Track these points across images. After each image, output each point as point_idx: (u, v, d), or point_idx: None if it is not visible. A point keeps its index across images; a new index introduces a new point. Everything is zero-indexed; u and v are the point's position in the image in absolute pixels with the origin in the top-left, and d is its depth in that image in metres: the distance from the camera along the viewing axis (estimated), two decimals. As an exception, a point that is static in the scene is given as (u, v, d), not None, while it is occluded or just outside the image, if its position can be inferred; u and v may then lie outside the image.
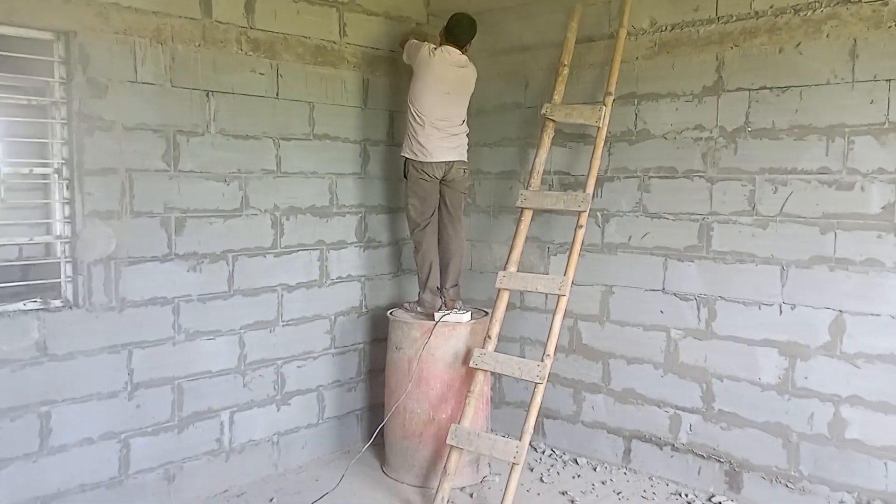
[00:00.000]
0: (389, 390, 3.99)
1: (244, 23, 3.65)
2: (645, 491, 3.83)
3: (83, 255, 3.20)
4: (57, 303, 3.17)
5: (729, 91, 3.61)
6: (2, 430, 3.02)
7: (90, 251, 3.22)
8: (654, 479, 3.95)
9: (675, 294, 3.85)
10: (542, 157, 3.96)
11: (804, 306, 3.43)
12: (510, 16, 4.41)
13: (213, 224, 3.63)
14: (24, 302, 3.08)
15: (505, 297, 3.82)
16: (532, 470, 4.08)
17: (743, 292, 3.61)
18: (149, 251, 3.40)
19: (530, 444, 3.90)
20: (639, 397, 4.01)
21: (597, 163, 3.79)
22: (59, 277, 3.21)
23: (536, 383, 3.53)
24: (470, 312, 4.02)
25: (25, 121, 3.63)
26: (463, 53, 4.00)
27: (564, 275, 3.63)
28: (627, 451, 4.08)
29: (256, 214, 3.80)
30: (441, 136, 3.92)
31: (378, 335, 4.41)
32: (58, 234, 3.23)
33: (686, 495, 3.75)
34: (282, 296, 3.95)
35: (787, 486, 3.52)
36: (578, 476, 4.03)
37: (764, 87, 3.49)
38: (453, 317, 3.90)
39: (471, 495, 3.83)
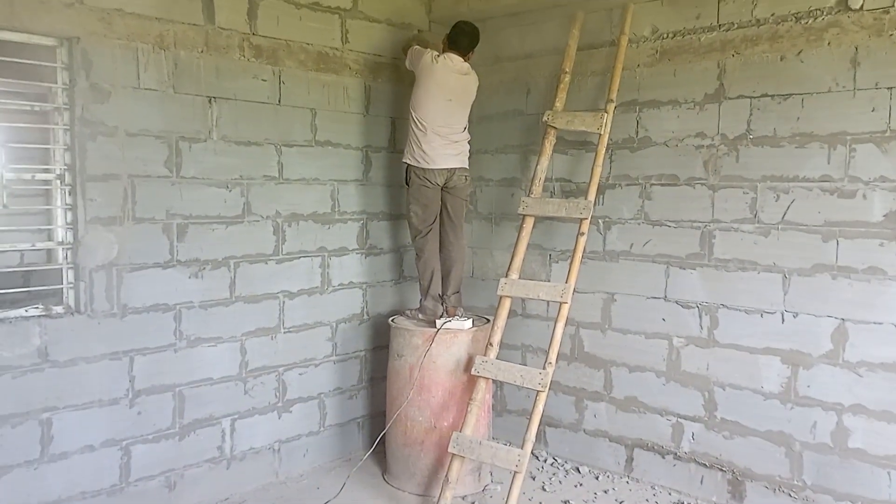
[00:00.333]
0: (391, 398, 3.99)
1: (247, 29, 3.66)
2: (647, 500, 3.82)
3: (85, 262, 3.19)
4: (59, 309, 3.16)
5: (730, 98, 3.61)
6: (3, 436, 3.01)
7: (92, 257, 3.21)
8: (656, 487, 3.93)
9: (676, 302, 3.85)
10: (544, 165, 3.97)
11: (806, 314, 3.43)
12: (512, 23, 4.42)
13: (215, 230, 3.63)
14: (25, 308, 3.06)
15: (506, 304, 3.82)
16: (534, 478, 4.06)
17: (745, 300, 3.61)
18: (151, 257, 3.39)
19: (532, 452, 3.89)
20: (641, 405, 4.00)
21: (598, 170, 3.80)
22: (61, 284, 3.20)
23: (538, 391, 3.52)
24: (471, 320, 4.01)
25: (28, 126, 3.61)
26: (465, 61, 4.02)
27: (566, 282, 3.63)
28: (630, 460, 4.07)
29: (258, 221, 3.80)
30: (443, 143, 3.92)
31: (379, 342, 4.41)
32: (60, 240, 3.23)
33: (688, 504, 3.75)
34: (283, 303, 3.94)
35: (790, 495, 3.50)
36: (580, 485, 4.01)
37: (765, 95, 3.50)
38: (455, 324, 3.89)
39: None
